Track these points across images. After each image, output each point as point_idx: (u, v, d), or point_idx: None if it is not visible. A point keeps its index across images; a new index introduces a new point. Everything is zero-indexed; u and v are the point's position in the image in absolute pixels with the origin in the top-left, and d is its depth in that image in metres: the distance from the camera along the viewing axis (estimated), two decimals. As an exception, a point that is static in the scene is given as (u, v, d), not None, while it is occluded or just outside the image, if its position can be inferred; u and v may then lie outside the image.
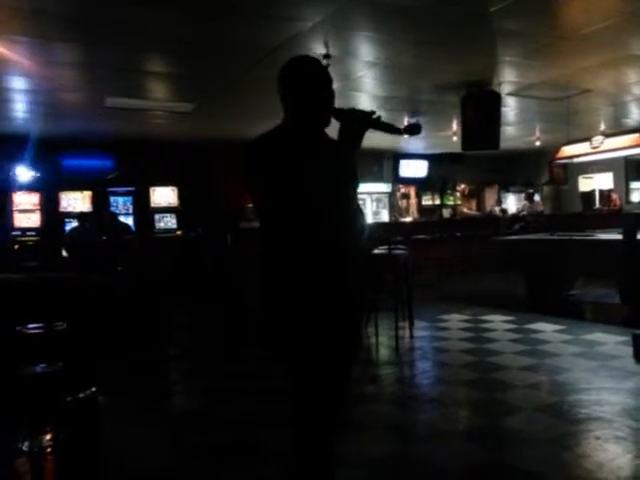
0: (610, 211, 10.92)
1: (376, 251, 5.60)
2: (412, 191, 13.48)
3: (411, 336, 5.26)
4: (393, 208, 13.03)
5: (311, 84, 1.79)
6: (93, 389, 2.97)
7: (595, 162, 9.56)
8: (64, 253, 7.62)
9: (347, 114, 1.81)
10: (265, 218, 1.75)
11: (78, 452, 2.82)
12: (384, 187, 12.80)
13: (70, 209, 9.23)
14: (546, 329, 5.31)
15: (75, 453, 2.80)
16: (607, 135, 7.43)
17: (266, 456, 2.80)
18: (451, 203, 13.58)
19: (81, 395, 2.89)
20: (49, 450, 2.75)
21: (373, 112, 1.83)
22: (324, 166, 1.70)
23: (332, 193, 1.69)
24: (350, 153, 1.79)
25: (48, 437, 2.79)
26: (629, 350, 4.20)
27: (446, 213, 13.30)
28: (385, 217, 12.82)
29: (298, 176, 1.65)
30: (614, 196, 11.66)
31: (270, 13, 4.30)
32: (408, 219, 12.58)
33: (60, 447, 2.77)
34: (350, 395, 1.98)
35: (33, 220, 9.01)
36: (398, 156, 12.74)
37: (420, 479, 2.56)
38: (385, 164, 12.72)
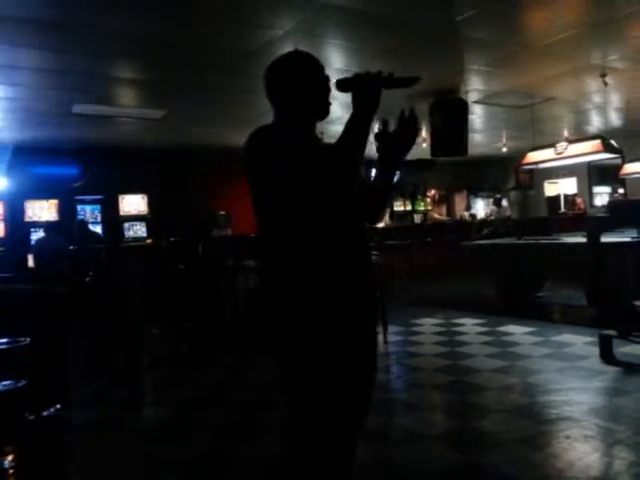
0: (575, 215, 11.23)
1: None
2: (383, 197, 13.59)
3: (385, 341, 5.29)
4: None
5: (307, 78, 1.71)
6: (58, 406, 2.88)
7: (560, 167, 9.83)
8: (31, 263, 7.40)
9: (353, 82, 1.64)
10: (283, 224, 1.60)
11: (42, 473, 2.72)
12: (356, 193, 12.88)
13: (36, 218, 8.96)
14: (516, 331, 5.42)
15: (39, 475, 2.71)
16: (570, 141, 7.64)
17: (241, 467, 2.77)
18: (422, 209, 13.77)
19: (45, 413, 2.79)
20: (11, 472, 2.65)
21: (380, 72, 1.65)
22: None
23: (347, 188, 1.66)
24: (361, 134, 1.62)
25: (10, 458, 2.69)
26: (596, 350, 4.32)
27: (417, 218, 13.48)
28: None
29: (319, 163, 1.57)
30: (579, 200, 12.01)
31: (241, 20, 4.30)
32: (380, 225, 12.68)
33: (23, 468, 2.67)
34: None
35: (-3, 230, 8.73)
36: (369, 162, 12.79)
37: (396, 484, 2.57)
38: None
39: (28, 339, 2.76)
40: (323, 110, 1.75)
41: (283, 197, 1.58)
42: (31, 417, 2.57)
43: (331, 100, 1.77)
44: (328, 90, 1.75)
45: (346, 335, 1.59)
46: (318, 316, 1.57)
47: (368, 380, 1.72)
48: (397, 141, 1.78)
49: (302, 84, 1.70)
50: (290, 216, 1.59)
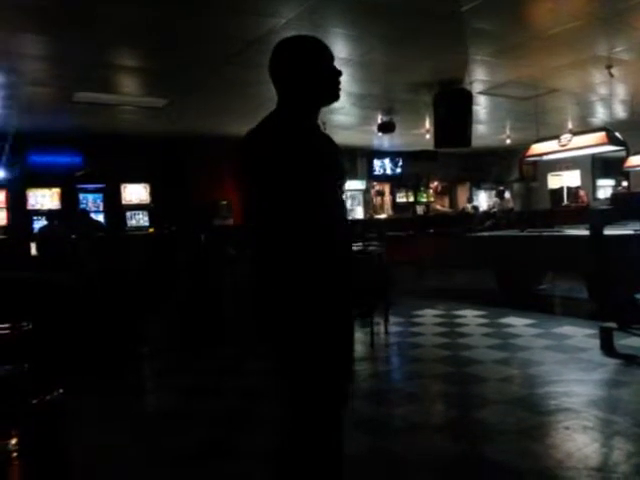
0: (578, 207, 11.20)
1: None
2: (386, 188, 13.59)
3: (386, 332, 5.31)
4: (368, 205, 13.11)
5: (319, 58, 1.71)
6: (60, 391, 2.90)
7: (563, 160, 9.80)
8: (33, 251, 7.42)
9: None
10: (269, 219, 1.62)
11: (45, 457, 2.74)
12: (359, 184, 12.87)
13: (38, 206, 9.00)
14: (517, 323, 5.42)
15: (42, 458, 2.73)
16: (575, 133, 7.59)
17: (242, 456, 2.79)
18: (424, 200, 13.76)
19: (48, 397, 2.81)
20: (15, 455, 2.67)
21: None
22: (324, 161, 1.68)
23: (334, 189, 1.70)
24: None
25: (13, 442, 2.71)
26: (596, 342, 4.33)
27: (420, 210, 13.47)
28: (360, 214, 12.90)
29: (303, 176, 1.59)
30: (582, 193, 11.97)
31: (243, 8, 4.26)
32: (383, 216, 12.68)
33: (26, 452, 2.69)
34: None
35: (0, 218, 8.76)
36: (372, 153, 12.81)
37: (393, 473, 2.58)
38: (359, 161, 12.79)
39: (30, 324, 2.78)
40: (331, 96, 1.74)
41: (265, 207, 1.61)
42: (34, 401, 2.59)
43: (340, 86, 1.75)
44: (336, 75, 1.73)
45: (327, 329, 1.64)
46: (302, 310, 1.61)
47: (346, 368, 1.82)
48: None
49: (308, 69, 1.68)
50: (277, 225, 1.61)
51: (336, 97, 1.75)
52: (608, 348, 4.22)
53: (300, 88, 1.69)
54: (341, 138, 10.12)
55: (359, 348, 4.91)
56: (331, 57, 1.75)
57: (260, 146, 1.62)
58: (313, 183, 1.61)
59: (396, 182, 13.44)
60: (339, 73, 1.74)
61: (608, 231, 5.04)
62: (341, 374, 1.75)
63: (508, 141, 10.45)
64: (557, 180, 13.04)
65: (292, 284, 1.60)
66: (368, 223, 10.87)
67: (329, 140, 1.80)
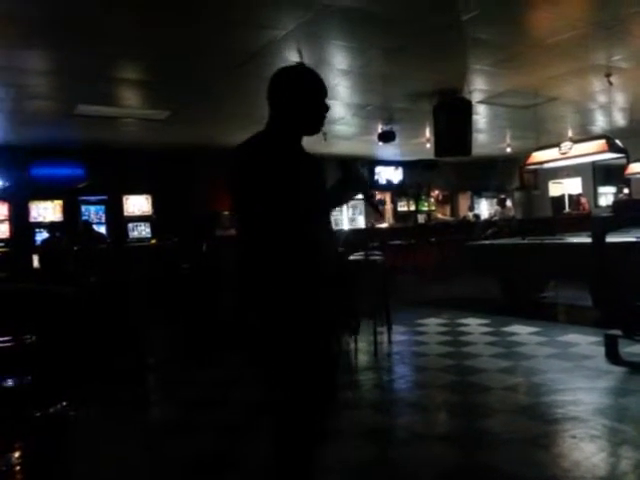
0: (579, 215, 11.18)
1: (353, 257, 5.61)
2: (387, 197, 13.60)
3: (390, 341, 5.28)
4: (369, 214, 13.11)
5: (310, 93, 1.85)
6: (64, 403, 2.89)
7: (564, 167, 9.82)
8: (36, 264, 7.43)
9: (353, 175, 1.94)
10: (250, 225, 1.75)
11: (48, 470, 2.73)
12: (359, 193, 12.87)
13: (40, 219, 9.02)
14: (521, 331, 5.40)
15: (45, 471, 2.71)
16: (575, 141, 7.62)
17: (247, 469, 2.76)
18: (426, 209, 13.76)
19: (51, 410, 2.80)
20: (18, 468, 2.65)
21: (371, 189, 2.01)
22: (309, 177, 1.81)
23: (316, 203, 1.82)
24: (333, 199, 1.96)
25: (17, 455, 2.69)
26: (602, 350, 4.30)
27: (421, 219, 13.47)
28: (361, 223, 12.91)
29: (288, 184, 1.70)
30: (583, 200, 11.97)
31: (244, 20, 4.30)
32: (384, 225, 12.68)
33: (29, 465, 2.67)
34: (334, 406, 1.98)
35: (2, 231, 8.77)
36: (373, 163, 12.85)
37: (400, 483, 2.56)
38: (360, 170, 12.81)
39: (34, 337, 2.78)
40: (314, 129, 1.90)
41: (248, 213, 1.75)
42: (37, 414, 2.58)
43: (326, 115, 1.90)
44: (325, 111, 1.88)
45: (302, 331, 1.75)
46: (282, 316, 1.73)
47: (324, 370, 1.85)
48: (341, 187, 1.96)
49: (300, 102, 1.82)
50: (252, 227, 1.74)
51: (318, 131, 1.92)
52: (613, 356, 4.19)
53: (292, 116, 1.84)
54: (342, 148, 10.16)
55: (363, 357, 4.89)
56: (325, 93, 1.90)
57: (245, 163, 1.75)
58: (291, 203, 1.72)
59: (397, 191, 13.47)
60: (327, 109, 1.89)
61: (610, 238, 5.02)
62: (322, 384, 1.83)
63: (508, 149, 10.48)
64: (558, 188, 13.05)
65: (259, 298, 1.74)
66: (369, 232, 10.86)
67: (314, 161, 1.95)
